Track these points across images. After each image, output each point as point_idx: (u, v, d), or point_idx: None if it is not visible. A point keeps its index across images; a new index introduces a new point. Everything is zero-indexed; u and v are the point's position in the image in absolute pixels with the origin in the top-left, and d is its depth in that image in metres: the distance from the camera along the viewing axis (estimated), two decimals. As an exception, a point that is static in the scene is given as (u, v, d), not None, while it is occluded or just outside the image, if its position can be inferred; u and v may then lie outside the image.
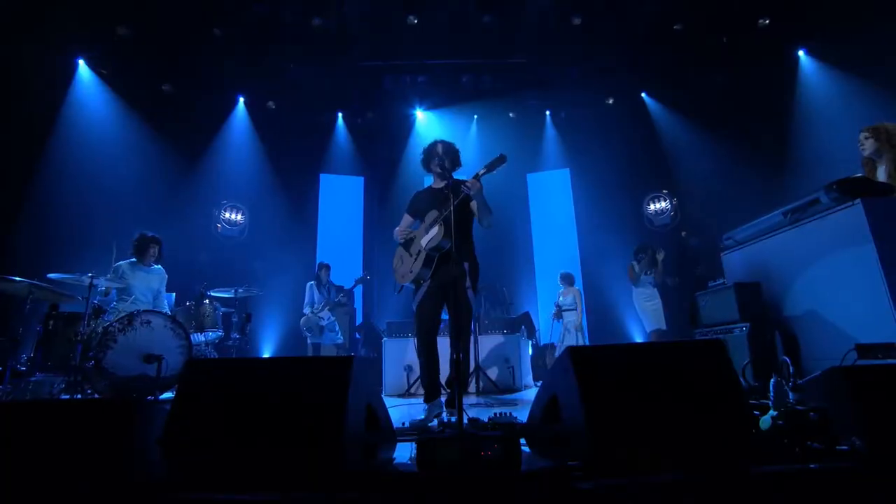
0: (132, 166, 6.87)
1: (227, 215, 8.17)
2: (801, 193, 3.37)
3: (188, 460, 1.65)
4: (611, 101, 8.53)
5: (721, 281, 3.88)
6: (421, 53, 7.81)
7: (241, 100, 8.13)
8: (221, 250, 7.99)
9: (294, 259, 8.14)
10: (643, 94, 8.32)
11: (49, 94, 6.25)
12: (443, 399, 3.33)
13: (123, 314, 3.81)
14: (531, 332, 7.06)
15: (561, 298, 6.85)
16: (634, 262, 5.85)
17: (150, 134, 7.15)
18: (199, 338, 4.49)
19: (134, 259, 4.63)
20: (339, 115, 8.93)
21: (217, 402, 1.74)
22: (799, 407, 1.91)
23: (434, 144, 3.48)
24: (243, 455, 1.61)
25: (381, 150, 8.81)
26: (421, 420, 3.08)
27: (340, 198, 9.33)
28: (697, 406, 1.67)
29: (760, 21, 6.83)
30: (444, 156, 3.40)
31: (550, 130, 8.94)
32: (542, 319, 8.72)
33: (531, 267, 9.31)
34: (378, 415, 2.15)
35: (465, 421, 2.57)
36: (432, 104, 8.61)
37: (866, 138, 3.36)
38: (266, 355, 7.31)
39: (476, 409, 3.99)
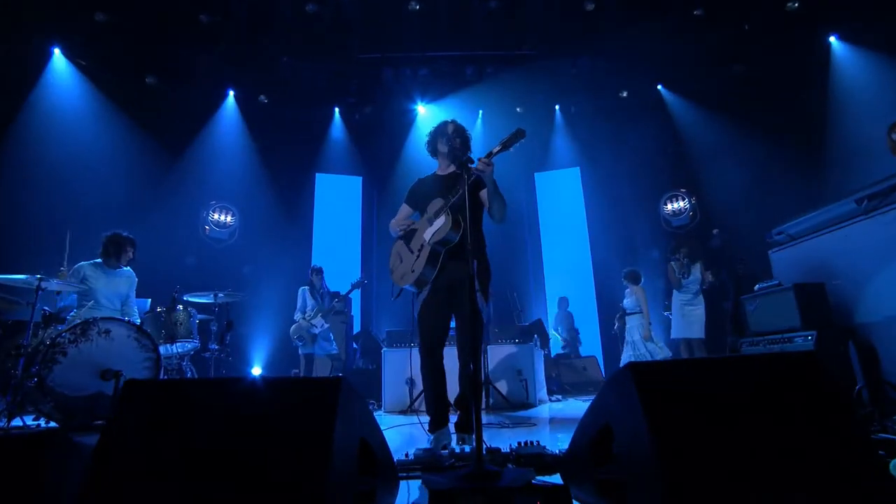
0: (112, 162, 6.36)
1: (216, 217, 7.64)
2: (839, 186, 2.89)
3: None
4: (624, 94, 8.03)
5: (775, 282, 3.34)
6: (423, 44, 7.35)
7: (231, 93, 7.63)
8: (209, 254, 7.46)
9: (287, 264, 7.61)
10: (659, 87, 7.81)
11: (16, 82, 5.74)
12: (452, 419, 2.79)
13: (77, 322, 3.25)
14: (544, 342, 6.49)
15: (625, 301, 6.02)
16: (673, 263, 5.24)
17: (132, 128, 6.64)
18: (170, 349, 3.93)
19: (99, 260, 4.08)
20: (336, 110, 8.43)
21: (161, 438, 1.32)
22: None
23: (444, 124, 3.00)
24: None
25: (380, 147, 8.30)
26: (428, 450, 2.52)
27: (337, 198, 8.83)
28: (802, 442, 1.24)
29: (789, 4, 6.34)
30: (454, 136, 2.90)
31: (560, 126, 8.41)
32: (553, 327, 8.21)
33: (540, 271, 8.80)
34: (374, 450, 1.72)
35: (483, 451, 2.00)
36: (434, 99, 8.10)
37: None
38: (256, 367, 6.76)
39: (489, 430, 3.44)
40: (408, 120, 8.36)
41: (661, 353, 5.64)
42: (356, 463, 1.49)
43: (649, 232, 7.90)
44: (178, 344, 3.93)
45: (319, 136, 8.44)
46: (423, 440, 2.78)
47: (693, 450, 1.16)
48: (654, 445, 1.15)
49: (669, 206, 8.01)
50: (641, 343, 5.68)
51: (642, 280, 6.04)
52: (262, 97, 7.87)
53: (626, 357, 5.87)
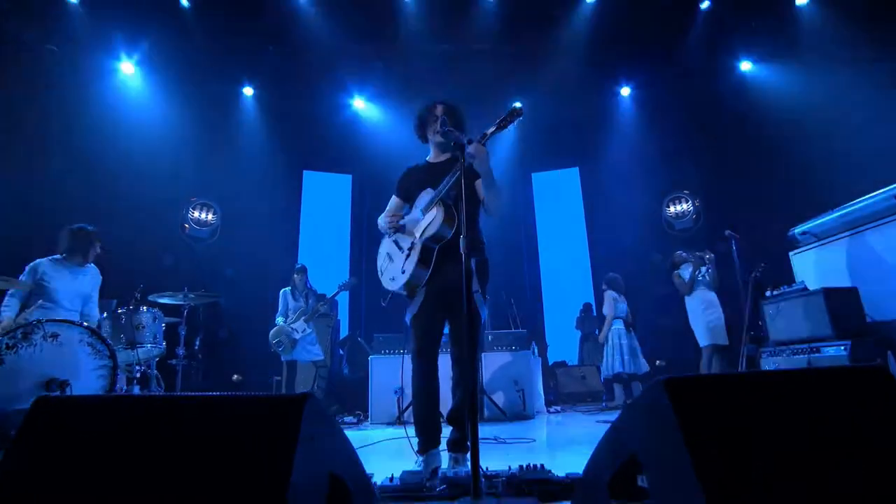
0: (81, 152, 5.97)
1: (197, 214, 7.25)
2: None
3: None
4: (626, 92, 7.77)
5: (801, 284, 3.04)
6: (416, 37, 7.05)
7: (215, 85, 7.24)
8: (189, 254, 7.06)
9: (272, 265, 7.23)
10: (660, 84, 7.55)
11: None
12: (444, 438, 2.46)
13: (17, 325, 2.88)
14: (542, 350, 6.18)
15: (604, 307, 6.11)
16: (678, 273, 5.01)
17: (104, 118, 6.25)
18: (130, 356, 3.55)
19: (58, 256, 3.70)
20: (325, 105, 8.07)
21: (75, 476, 1.04)
22: None
23: (432, 106, 2.69)
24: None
25: (371, 144, 7.95)
26: (416, 473, 2.20)
27: (326, 197, 8.49)
28: (885, 474, 0.96)
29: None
30: (445, 117, 2.57)
31: (558, 125, 8.11)
32: (550, 334, 7.90)
33: (537, 276, 8.49)
34: (348, 486, 1.35)
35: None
36: (432, 93, 7.80)
37: None
38: (236, 375, 6.36)
39: (484, 446, 3.07)
40: (405, 115, 8.04)
41: (614, 357, 5.68)
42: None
43: (650, 235, 7.61)
44: (139, 349, 3.55)
45: (308, 132, 8.07)
46: (412, 457, 2.45)
47: (748, 486, 0.94)
48: (699, 481, 0.91)
49: (672, 209, 7.72)
50: (609, 348, 5.70)
51: (622, 286, 6.11)
52: (247, 89, 7.51)
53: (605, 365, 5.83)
